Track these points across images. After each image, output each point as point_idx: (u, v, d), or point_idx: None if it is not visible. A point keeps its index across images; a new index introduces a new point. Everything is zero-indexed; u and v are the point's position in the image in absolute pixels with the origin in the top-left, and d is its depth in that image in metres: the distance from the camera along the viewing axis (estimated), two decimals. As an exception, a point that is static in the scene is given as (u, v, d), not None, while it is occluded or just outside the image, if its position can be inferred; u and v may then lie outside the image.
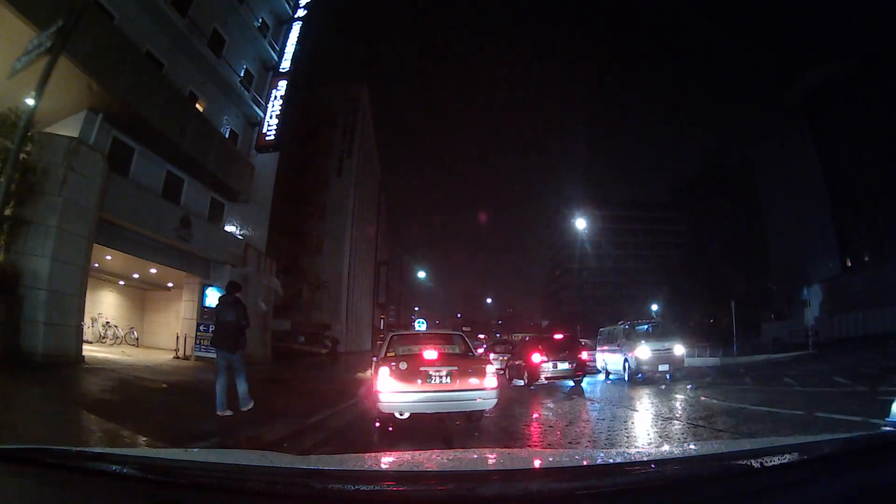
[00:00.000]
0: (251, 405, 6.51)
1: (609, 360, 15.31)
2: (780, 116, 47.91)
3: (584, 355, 13.62)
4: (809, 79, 43.50)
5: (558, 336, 14.77)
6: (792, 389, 9.84)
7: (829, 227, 40.01)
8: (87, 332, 16.61)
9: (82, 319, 11.03)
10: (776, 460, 1.20)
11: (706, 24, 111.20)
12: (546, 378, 12.55)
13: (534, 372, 12.50)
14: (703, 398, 9.02)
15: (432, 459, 1.76)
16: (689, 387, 10.99)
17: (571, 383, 12.95)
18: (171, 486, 1.15)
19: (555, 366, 12.54)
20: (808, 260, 40.02)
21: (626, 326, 14.57)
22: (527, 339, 16.88)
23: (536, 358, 12.60)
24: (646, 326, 14.67)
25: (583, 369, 13.03)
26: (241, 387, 6.47)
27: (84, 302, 11.11)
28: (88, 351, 12.86)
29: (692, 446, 3.00)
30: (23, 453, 1.28)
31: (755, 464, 1.18)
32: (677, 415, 7.31)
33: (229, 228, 17.48)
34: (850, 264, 38.52)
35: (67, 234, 9.95)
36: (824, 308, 35.36)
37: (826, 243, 39.93)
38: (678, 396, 9.57)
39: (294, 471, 1.32)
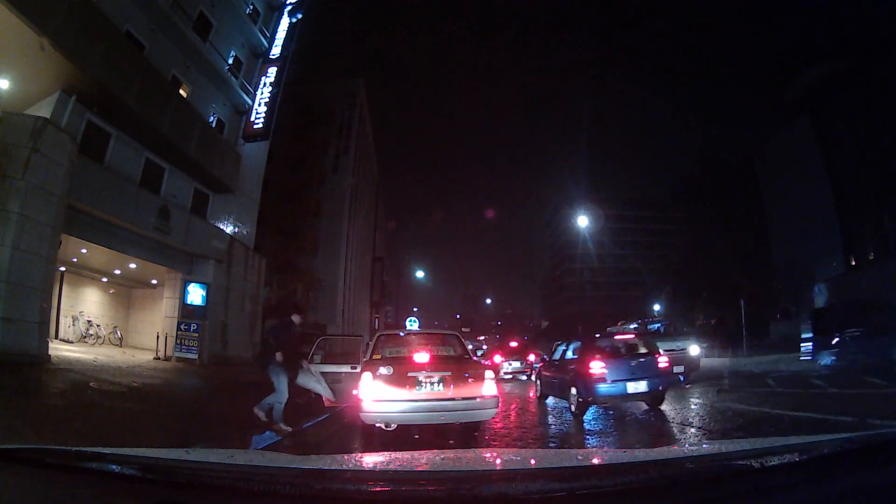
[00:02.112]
0: (282, 427, 5.93)
1: (618, 360, 14.47)
2: (783, 113, 47.50)
3: (532, 357, 17.19)
4: (812, 75, 43.05)
5: (514, 344, 19.76)
6: (826, 392, 8.99)
7: (833, 225, 39.57)
8: (69, 332, 15.87)
9: (48, 315, 10.12)
10: (776, 460, 1.21)
11: (708, 21, 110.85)
12: (504, 374, 15.83)
13: (495, 369, 16.10)
14: (729, 403, 8.16)
15: (432, 459, 1.73)
16: (715, 390, 10.11)
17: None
18: (171, 486, 1.14)
19: (510, 364, 16.48)
20: (812, 258, 39.53)
21: (637, 326, 13.75)
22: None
23: (497, 359, 16.47)
24: (658, 326, 13.86)
25: (531, 367, 16.10)
26: (268, 401, 6.13)
27: (50, 297, 10.22)
28: (66, 350, 12.09)
29: (692, 446, 2.86)
30: (23, 453, 1.27)
31: (755, 464, 1.19)
32: (709, 425, 6.44)
33: (214, 222, 16.59)
34: (854, 263, 37.99)
35: (30, 222, 9.11)
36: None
37: (830, 242, 39.45)
38: (700, 402, 8.74)
39: (294, 471, 1.31)
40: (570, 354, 9.01)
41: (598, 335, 10.03)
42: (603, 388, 7.29)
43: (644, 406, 7.95)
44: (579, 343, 9.04)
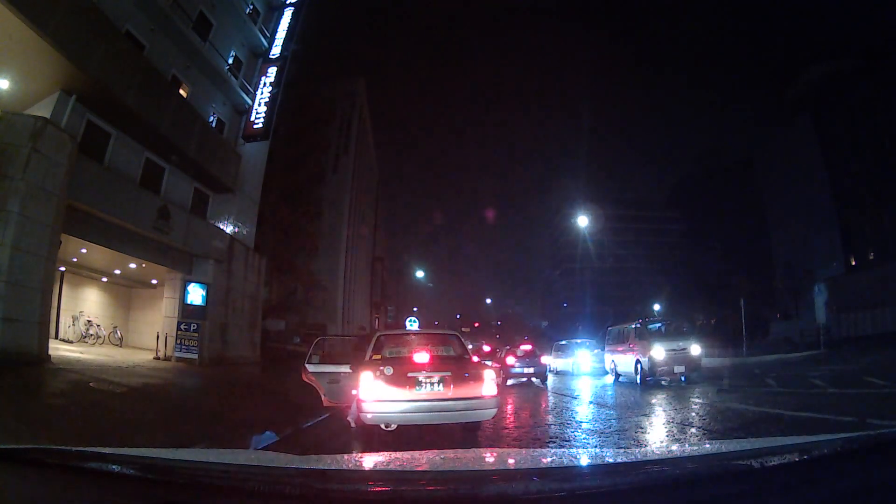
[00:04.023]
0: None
1: (619, 361, 14.46)
2: (784, 113, 47.37)
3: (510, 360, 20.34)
4: (813, 75, 43.04)
5: (487, 348, 23.00)
6: (826, 392, 8.99)
7: (833, 225, 39.51)
8: (69, 332, 15.87)
9: (48, 315, 10.12)
10: (776, 460, 1.21)
11: (709, 20, 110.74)
12: None
13: None
14: (729, 403, 8.16)
15: (432, 459, 1.74)
16: (715, 390, 10.10)
17: None
18: (171, 486, 1.14)
19: None
20: (812, 259, 39.50)
21: (638, 325, 13.69)
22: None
23: (474, 359, 21.01)
24: (659, 325, 13.82)
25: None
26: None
27: (50, 297, 10.21)
28: (66, 350, 12.10)
29: (692, 446, 2.83)
30: (23, 453, 1.27)
31: (755, 464, 1.18)
32: (709, 425, 6.44)
33: (214, 222, 16.59)
34: (854, 263, 37.96)
35: (30, 222, 9.10)
36: (830, 307, 34.77)
37: (830, 242, 39.41)
38: (700, 401, 8.73)
39: (294, 471, 1.30)
40: (502, 355, 17.27)
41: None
42: (512, 370, 14.98)
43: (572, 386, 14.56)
44: (507, 348, 17.81)
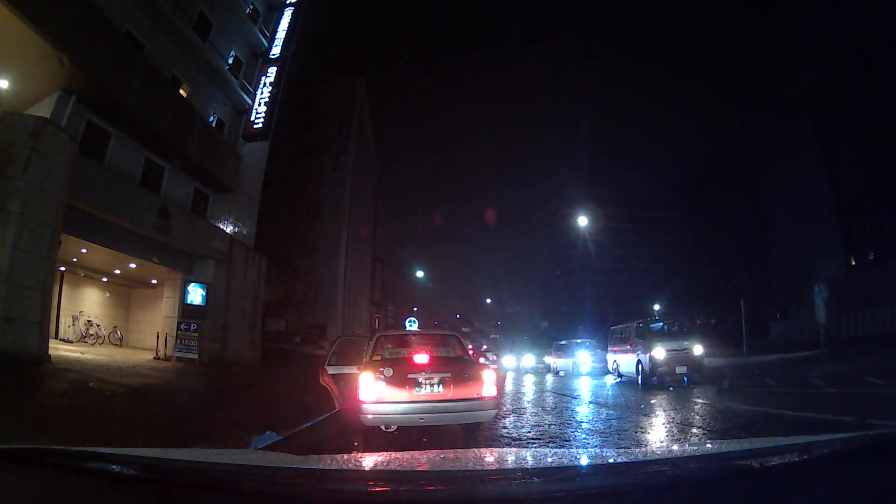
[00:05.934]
0: None
1: (621, 361, 14.43)
2: (783, 113, 47.42)
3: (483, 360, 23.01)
4: (813, 75, 43.00)
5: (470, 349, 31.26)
6: (825, 391, 8.99)
7: (833, 225, 39.53)
8: (69, 331, 15.88)
9: (48, 315, 10.11)
10: (776, 460, 1.21)
11: (709, 21, 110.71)
12: None
13: None
14: (729, 403, 8.16)
15: (432, 459, 1.74)
16: (715, 390, 10.09)
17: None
18: (171, 486, 1.14)
19: None
20: (812, 258, 39.52)
21: (640, 325, 13.63)
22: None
23: None
24: (661, 325, 13.76)
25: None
26: None
27: (50, 297, 10.20)
28: (66, 350, 12.10)
29: (693, 446, 2.83)
30: (23, 453, 1.27)
31: (755, 464, 1.18)
32: (710, 425, 6.43)
33: (214, 221, 16.60)
34: (854, 263, 37.99)
35: (30, 221, 9.09)
36: (830, 307, 34.78)
37: (830, 241, 39.43)
38: (700, 401, 8.72)
39: (294, 471, 1.31)
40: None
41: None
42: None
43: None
44: (470, 347, 23.65)
